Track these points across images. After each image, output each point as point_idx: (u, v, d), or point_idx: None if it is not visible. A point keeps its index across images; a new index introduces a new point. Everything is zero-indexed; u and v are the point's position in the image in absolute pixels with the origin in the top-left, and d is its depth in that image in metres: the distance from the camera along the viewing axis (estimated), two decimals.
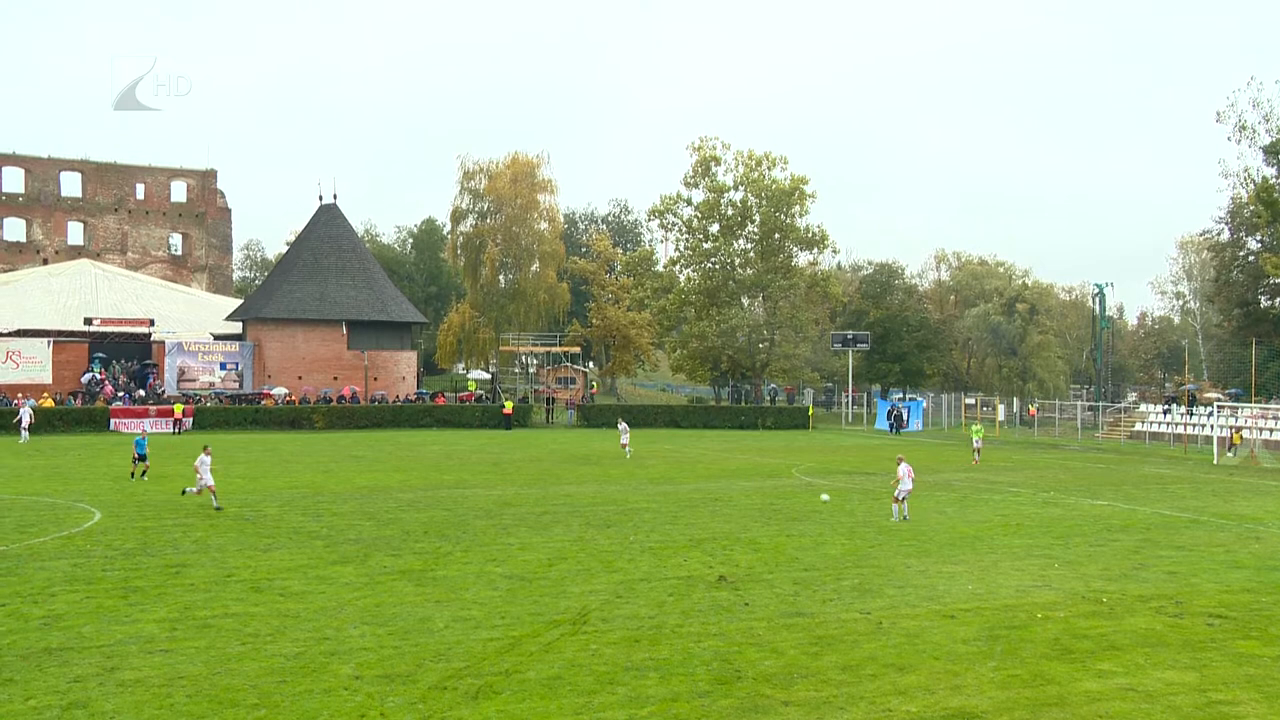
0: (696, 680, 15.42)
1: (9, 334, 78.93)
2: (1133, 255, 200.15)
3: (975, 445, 55.73)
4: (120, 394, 77.46)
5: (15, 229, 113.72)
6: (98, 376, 79.82)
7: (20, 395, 71.41)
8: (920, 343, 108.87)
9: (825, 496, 21.19)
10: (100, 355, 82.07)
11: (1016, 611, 19.89)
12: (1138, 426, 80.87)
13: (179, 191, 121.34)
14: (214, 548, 25.68)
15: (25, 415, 60.31)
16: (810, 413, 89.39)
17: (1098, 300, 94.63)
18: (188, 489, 33.85)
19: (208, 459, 32.74)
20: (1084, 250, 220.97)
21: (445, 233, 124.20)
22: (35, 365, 77.95)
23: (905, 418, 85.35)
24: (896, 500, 31.56)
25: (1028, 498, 38.51)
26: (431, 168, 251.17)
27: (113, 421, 69.64)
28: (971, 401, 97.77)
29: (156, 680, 15.06)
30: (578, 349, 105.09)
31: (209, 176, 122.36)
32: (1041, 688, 15.22)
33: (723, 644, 17.40)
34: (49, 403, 72.45)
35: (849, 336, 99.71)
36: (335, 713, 13.79)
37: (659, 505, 34.80)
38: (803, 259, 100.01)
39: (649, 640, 17.57)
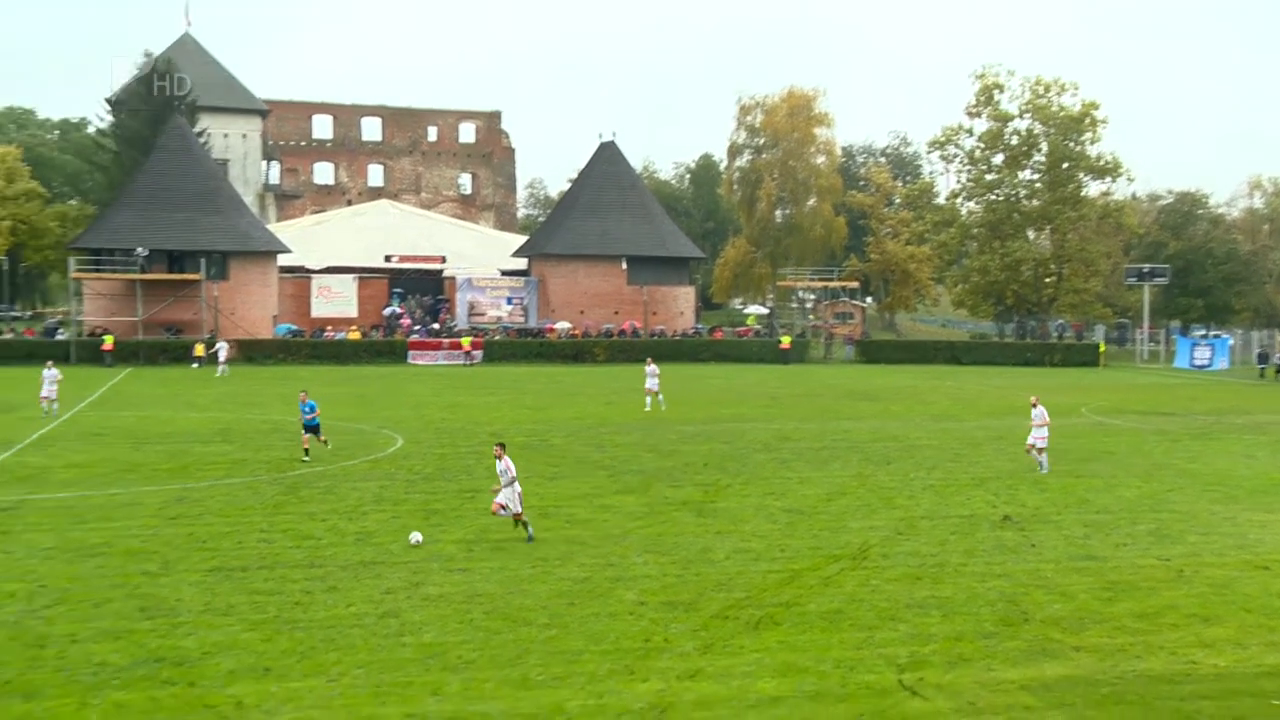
0: (981, 620, 15.10)
1: (320, 270, 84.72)
2: None
3: None
4: (416, 327, 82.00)
5: (324, 172, 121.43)
6: (397, 310, 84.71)
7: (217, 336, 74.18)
8: (1228, 276, 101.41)
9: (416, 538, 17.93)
10: (398, 290, 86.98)
11: None
12: None
13: (467, 133, 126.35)
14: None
15: (222, 352, 62.69)
16: (1101, 350, 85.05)
17: None
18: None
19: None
20: None
21: (722, 168, 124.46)
22: (342, 300, 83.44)
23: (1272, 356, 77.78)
24: (1032, 450, 28.34)
25: None
26: (709, 104, 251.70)
27: (410, 353, 73.82)
28: None
29: (457, 596, 15.99)
30: (856, 284, 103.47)
31: (494, 118, 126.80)
32: None
33: (1008, 585, 16.95)
34: (355, 335, 77.55)
35: (1145, 270, 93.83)
36: (621, 636, 14.28)
37: (940, 442, 34.07)
38: (1094, 189, 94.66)
39: (931, 578, 17.31)
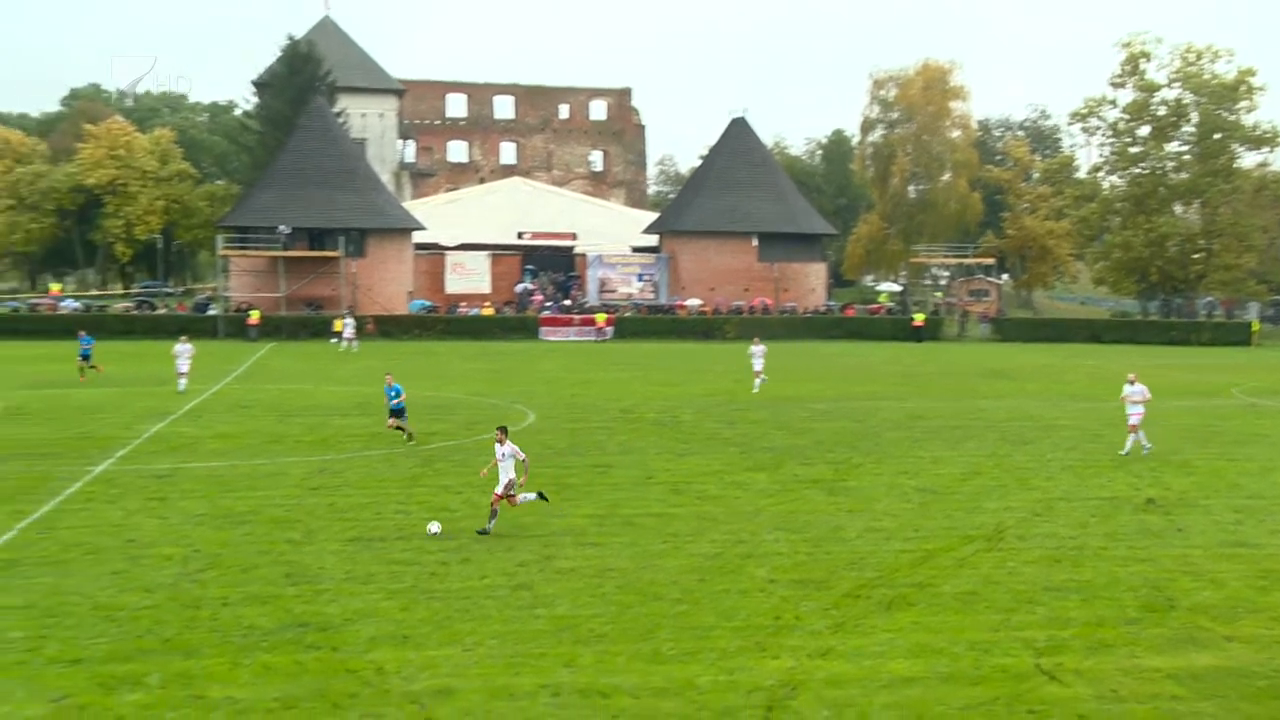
0: (1124, 606, 14.69)
1: (454, 247, 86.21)
2: None
3: None
4: (548, 304, 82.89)
5: (458, 150, 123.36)
6: (529, 287, 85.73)
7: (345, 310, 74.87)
8: None
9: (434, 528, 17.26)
10: (530, 267, 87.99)
11: None
12: None
13: (597, 110, 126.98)
14: (635, 450, 27.07)
15: (348, 328, 63.24)
16: (1254, 328, 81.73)
17: None
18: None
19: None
20: None
21: (854, 144, 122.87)
22: (475, 276, 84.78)
23: None
24: (1132, 429, 27.02)
25: None
26: (841, 79, 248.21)
27: (542, 329, 74.67)
28: None
29: (588, 570, 16.17)
30: (991, 260, 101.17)
31: (624, 95, 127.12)
32: None
33: (1153, 570, 16.45)
34: (489, 311, 78.77)
35: None
36: (752, 613, 14.27)
37: (1079, 422, 33.20)
38: (1249, 160, 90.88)
39: (1070, 561, 16.90)
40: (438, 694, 11.51)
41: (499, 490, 18.23)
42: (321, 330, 69.34)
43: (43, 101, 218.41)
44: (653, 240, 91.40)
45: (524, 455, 18.51)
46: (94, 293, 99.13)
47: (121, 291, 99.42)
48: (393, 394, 27.50)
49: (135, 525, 18.62)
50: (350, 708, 11.16)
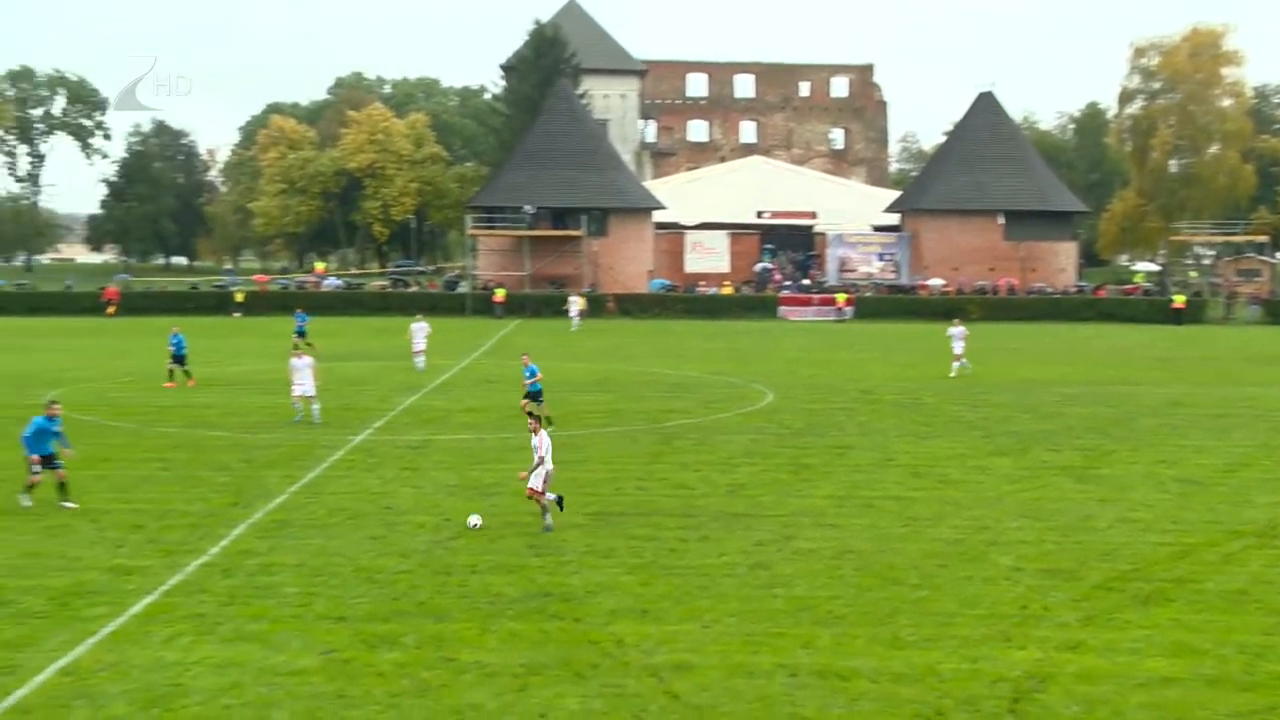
0: None
1: (693, 227, 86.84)
2: None
3: None
4: (787, 283, 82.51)
5: (698, 130, 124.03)
6: (768, 266, 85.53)
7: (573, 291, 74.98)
8: None
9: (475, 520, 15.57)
10: (769, 246, 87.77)
11: None
12: None
13: (838, 88, 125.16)
14: (875, 432, 26.63)
15: (574, 306, 63.54)
16: None
17: None
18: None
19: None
20: None
21: (1110, 116, 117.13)
22: (714, 255, 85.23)
23: None
24: None
25: None
26: (1096, 50, 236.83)
27: (781, 308, 74.37)
28: None
29: (827, 552, 16.02)
30: (1265, 238, 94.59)
31: (866, 71, 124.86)
32: None
33: None
34: (727, 290, 79.09)
35: None
36: (996, 601, 13.83)
37: None
38: None
39: None
40: (676, 668, 11.63)
41: (537, 485, 17.08)
42: (564, 308, 71.11)
43: (312, 90, 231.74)
44: (894, 219, 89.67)
45: (548, 448, 17.12)
46: (353, 271, 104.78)
47: (378, 270, 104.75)
48: (528, 374, 26.84)
49: (391, 493, 19.59)
50: (592, 677, 11.40)
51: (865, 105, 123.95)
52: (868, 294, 78.87)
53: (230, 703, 10.68)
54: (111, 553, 15.69)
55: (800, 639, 12.48)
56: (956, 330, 38.96)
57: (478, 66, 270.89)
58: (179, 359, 33.97)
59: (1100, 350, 51.52)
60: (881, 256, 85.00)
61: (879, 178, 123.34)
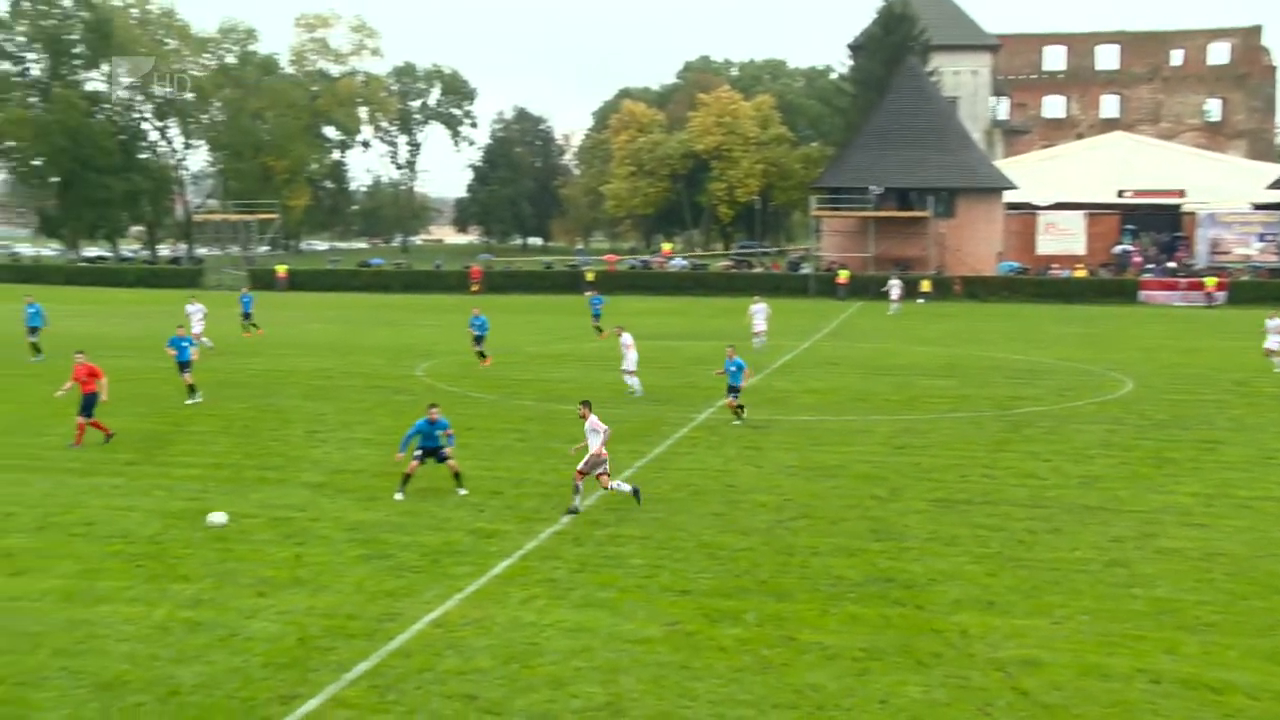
0: None
1: (1046, 207, 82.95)
2: None
3: None
4: (1149, 266, 77.38)
5: (1054, 106, 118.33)
6: (1128, 248, 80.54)
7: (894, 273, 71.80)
8: None
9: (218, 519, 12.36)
10: (1130, 227, 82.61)
11: None
12: None
13: (1217, 54, 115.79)
14: (1251, 427, 24.55)
15: (895, 290, 60.38)
16: None
17: None
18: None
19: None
20: None
21: None
22: (1069, 237, 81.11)
23: None
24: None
25: None
26: None
27: (1141, 293, 69.79)
28: None
29: (1193, 553, 14.91)
30: None
31: (1252, 34, 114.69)
32: None
33: None
34: (1081, 272, 75.07)
35: None
36: None
37: None
38: None
39: None
40: (1024, 664, 11.17)
41: (580, 466, 16.89)
42: (910, 291, 69.73)
43: (662, 74, 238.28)
44: (1277, 196, 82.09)
45: (605, 428, 17.01)
46: (698, 253, 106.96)
47: (722, 251, 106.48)
48: (732, 366, 24.88)
49: (733, 471, 19.85)
50: (934, 666, 11.13)
51: (1250, 71, 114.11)
52: (1244, 278, 72.64)
53: (581, 665, 11.16)
54: (474, 516, 16.75)
55: (1162, 644, 11.69)
56: (1273, 323, 34.26)
57: (825, 46, 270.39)
58: (479, 339, 34.74)
59: None
60: (1263, 237, 78.01)
61: (1263, 151, 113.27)
